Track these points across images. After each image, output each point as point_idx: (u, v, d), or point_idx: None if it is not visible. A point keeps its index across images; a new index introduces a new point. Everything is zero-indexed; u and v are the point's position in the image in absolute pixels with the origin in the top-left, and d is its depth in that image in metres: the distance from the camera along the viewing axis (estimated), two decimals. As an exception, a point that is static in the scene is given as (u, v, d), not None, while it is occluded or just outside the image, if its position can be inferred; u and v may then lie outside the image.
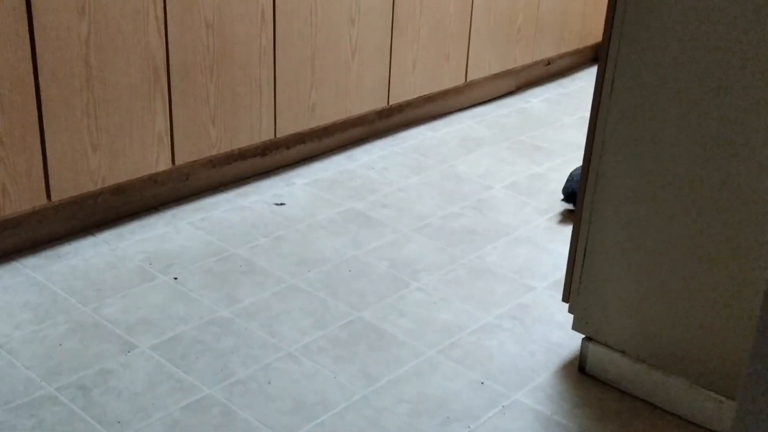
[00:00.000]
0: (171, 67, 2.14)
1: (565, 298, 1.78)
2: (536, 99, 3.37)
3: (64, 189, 2.03)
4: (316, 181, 2.56)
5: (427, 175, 2.64)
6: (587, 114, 3.22)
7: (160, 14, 2.08)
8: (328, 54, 2.52)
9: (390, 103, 2.80)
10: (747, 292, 1.51)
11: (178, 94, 2.18)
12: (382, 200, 2.47)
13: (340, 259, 2.15)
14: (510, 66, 3.25)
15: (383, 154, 2.77)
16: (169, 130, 2.20)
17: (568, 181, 2.43)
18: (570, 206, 2.44)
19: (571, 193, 2.40)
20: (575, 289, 1.75)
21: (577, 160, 2.81)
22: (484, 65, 3.12)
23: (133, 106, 2.10)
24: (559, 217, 2.43)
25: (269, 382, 1.70)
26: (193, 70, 2.19)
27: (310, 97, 2.52)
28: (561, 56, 3.60)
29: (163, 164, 2.22)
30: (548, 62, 3.57)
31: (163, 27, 2.09)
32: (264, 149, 2.55)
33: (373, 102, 2.74)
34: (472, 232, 2.32)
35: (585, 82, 3.59)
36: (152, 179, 2.29)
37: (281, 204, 2.42)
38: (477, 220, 2.39)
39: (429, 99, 3.04)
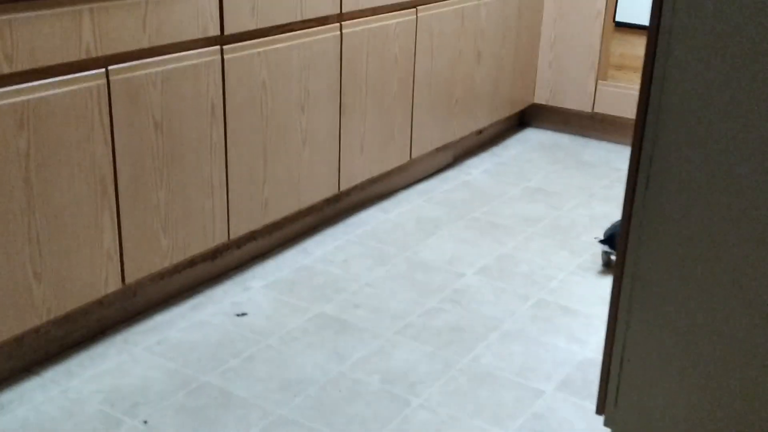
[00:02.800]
0: (118, 176, 1.88)
1: (600, 410, 1.62)
2: (476, 170, 3.26)
3: (6, 328, 1.73)
4: (274, 283, 2.33)
5: (392, 266, 2.45)
6: (530, 184, 3.13)
7: (106, 119, 1.82)
8: (279, 145, 2.31)
9: (341, 189, 2.61)
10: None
11: (127, 204, 1.92)
12: (352, 299, 2.26)
13: (325, 378, 1.92)
14: (450, 139, 3.12)
15: (339, 244, 2.57)
16: (118, 246, 1.93)
17: (612, 226, 2.48)
18: (606, 248, 2.47)
19: (611, 235, 2.43)
20: (611, 399, 1.59)
21: (537, 236, 2.69)
22: (427, 141, 2.98)
23: (79, 223, 1.82)
24: (542, 304, 2.28)
25: None
26: (142, 176, 1.94)
27: (263, 192, 2.30)
28: (491, 124, 3.51)
29: (113, 284, 1.94)
30: (480, 131, 3.47)
31: (109, 132, 1.84)
32: (215, 252, 2.30)
33: (325, 190, 2.54)
34: (458, 330, 2.14)
35: (517, 149, 3.51)
36: (98, 301, 2.00)
37: (243, 314, 2.17)
38: (459, 315, 2.21)
39: (375, 179, 2.87)
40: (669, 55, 1.39)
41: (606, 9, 3.41)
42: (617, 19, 3.42)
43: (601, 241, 2.46)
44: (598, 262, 2.53)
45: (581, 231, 2.75)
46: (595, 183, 3.17)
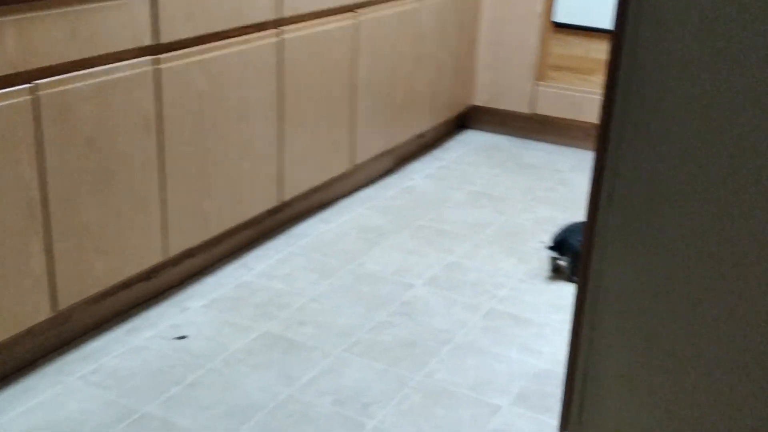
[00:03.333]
0: (48, 197, 1.76)
1: (563, 428, 1.58)
2: (418, 175, 3.20)
3: (-75, 366, 1.60)
4: (214, 301, 2.23)
5: (338, 278, 2.38)
6: (474, 188, 3.09)
7: (33, 137, 1.70)
8: (219, 157, 2.21)
9: (283, 200, 2.52)
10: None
11: (58, 227, 1.80)
12: (297, 316, 2.18)
13: (274, 402, 1.84)
14: (392, 144, 3.06)
15: (281, 257, 2.48)
16: (48, 272, 1.81)
17: (559, 231, 2.46)
18: (554, 254, 2.46)
19: (560, 241, 2.41)
20: (575, 417, 1.55)
21: (484, 242, 2.65)
22: (369, 147, 2.91)
23: (5, 250, 1.70)
24: (493, 314, 2.24)
25: None
26: (73, 197, 1.82)
27: (202, 206, 2.20)
28: (431, 127, 3.46)
29: (44, 313, 1.82)
30: (421, 135, 3.42)
31: (37, 151, 1.71)
32: (149, 271, 2.19)
33: (266, 201, 2.45)
34: (409, 345, 2.08)
35: (458, 152, 3.47)
36: (27, 330, 1.88)
37: (182, 337, 2.07)
38: (409, 329, 2.15)
39: (316, 188, 2.78)
40: (635, 62, 1.34)
41: (544, 10, 3.39)
42: (555, 19, 3.41)
43: (549, 248, 2.43)
44: (546, 268, 2.50)
45: (527, 236, 2.72)
46: (537, 185, 3.14)
